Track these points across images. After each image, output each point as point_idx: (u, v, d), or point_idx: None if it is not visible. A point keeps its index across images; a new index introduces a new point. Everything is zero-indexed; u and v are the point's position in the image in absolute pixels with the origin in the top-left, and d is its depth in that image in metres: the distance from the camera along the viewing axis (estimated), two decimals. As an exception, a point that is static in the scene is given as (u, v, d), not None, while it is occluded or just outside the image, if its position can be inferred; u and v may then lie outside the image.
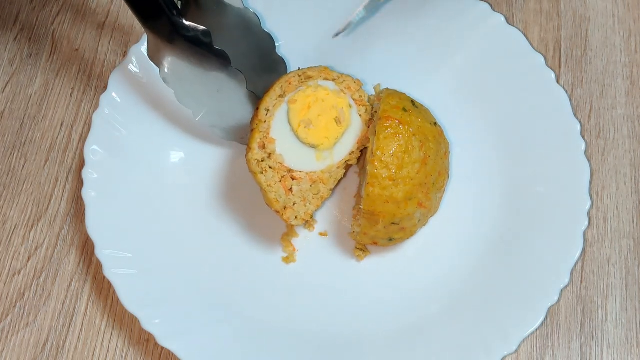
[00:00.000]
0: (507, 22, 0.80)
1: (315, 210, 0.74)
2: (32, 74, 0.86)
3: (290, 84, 0.73)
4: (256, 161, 0.71)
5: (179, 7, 0.71)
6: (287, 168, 0.72)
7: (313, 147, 0.73)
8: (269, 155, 0.71)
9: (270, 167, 0.71)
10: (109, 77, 0.78)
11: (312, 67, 0.74)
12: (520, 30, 0.80)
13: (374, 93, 0.78)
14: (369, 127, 0.75)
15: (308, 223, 0.77)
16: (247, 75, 0.75)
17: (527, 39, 0.79)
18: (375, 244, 0.73)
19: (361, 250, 0.75)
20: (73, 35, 0.88)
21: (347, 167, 0.75)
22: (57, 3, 0.90)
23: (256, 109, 0.72)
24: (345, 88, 0.75)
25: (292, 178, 0.72)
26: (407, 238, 0.73)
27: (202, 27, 0.70)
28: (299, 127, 0.72)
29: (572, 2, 0.88)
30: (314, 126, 0.72)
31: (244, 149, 0.73)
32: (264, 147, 0.71)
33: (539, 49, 0.83)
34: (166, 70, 0.73)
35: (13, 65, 0.86)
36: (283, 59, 0.80)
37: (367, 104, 0.75)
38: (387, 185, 0.68)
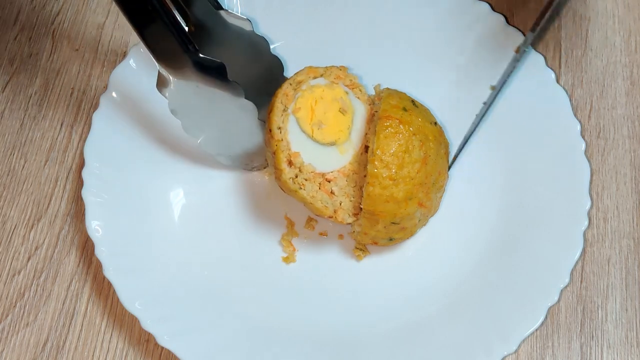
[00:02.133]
0: (507, 22, 0.80)
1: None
2: (32, 74, 0.86)
3: (287, 95, 0.72)
4: (291, 179, 0.70)
5: (190, 36, 0.69)
6: (320, 174, 0.71)
7: (333, 144, 0.72)
8: (300, 169, 0.70)
9: (305, 180, 0.70)
10: (109, 77, 0.78)
11: (298, 72, 0.73)
12: (520, 31, 0.80)
13: (374, 93, 0.78)
14: (371, 105, 0.74)
15: (308, 223, 0.77)
16: (254, 99, 0.73)
17: (527, 39, 0.79)
18: (376, 243, 0.73)
19: (361, 250, 0.75)
20: (73, 35, 0.88)
21: (367, 149, 0.75)
22: (57, 3, 0.90)
23: (268, 130, 0.71)
24: (334, 78, 0.74)
25: (327, 181, 0.71)
26: (407, 238, 0.73)
27: (217, 62, 0.69)
28: (312, 131, 0.72)
29: (572, 2, 0.88)
30: (325, 125, 0.72)
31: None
32: (291, 163, 0.70)
33: (539, 49, 0.83)
34: (176, 102, 0.72)
35: (13, 65, 0.86)
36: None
37: (359, 84, 0.75)
38: (388, 184, 0.68)
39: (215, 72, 0.69)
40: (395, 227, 0.70)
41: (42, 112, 0.84)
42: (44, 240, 0.79)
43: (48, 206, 0.80)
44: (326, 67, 0.74)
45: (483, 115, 0.78)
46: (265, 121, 0.72)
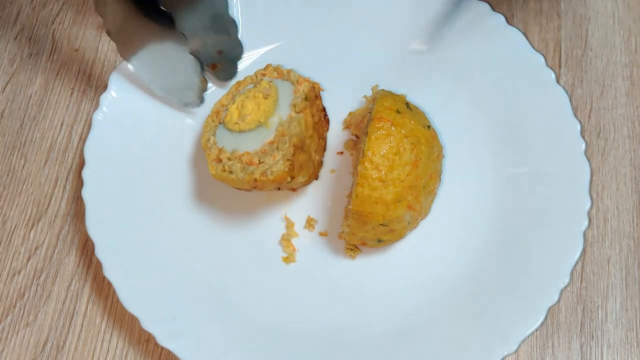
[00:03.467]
0: (507, 22, 0.80)
1: (321, 157, 0.76)
2: (32, 74, 0.86)
3: (218, 113, 0.76)
4: (220, 170, 0.72)
5: None
6: (245, 153, 0.72)
7: (260, 125, 0.73)
8: (228, 158, 0.72)
9: (229, 159, 0.72)
10: (109, 77, 0.78)
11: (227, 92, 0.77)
12: (520, 30, 0.80)
13: (371, 94, 0.78)
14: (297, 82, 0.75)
15: (308, 223, 0.77)
16: (199, 36, 0.77)
17: (527, 39, 0.79)
18: (364, 244, 0.73)
19: (351, 250, 0.75)
20: (73, 35, 0.88)
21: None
22: (57, 3, 0.90)
23: (203, 148, 0.74)
24: (259, 77, 0.76)
25: (254, 155, 0.72)
26: (396, 240, 0.73)
27: None
28: (238, 126, 0.73)
29: (572, 2, 0.88)
30: (248, 115, 0.73)
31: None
32: (220, 160, 0.72)
33: (539, 49, 0.83)
34: (111, 22, 0.74)
35: (13, 65, 0.87)
36: (234, 20, 0.81)
37: (286, 70, 0.76)
38: (377, 186, 0.68)
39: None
40: (383, 228, 0.70)
41: (42, 112, 0.84)
42: (44, 240, 0.79)
43: (48, 206, 0.80)
44: (253, 74, 0.77)
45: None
46: (198, 55, 0.76)
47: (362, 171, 0.68)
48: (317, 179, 0.76)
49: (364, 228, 0.70)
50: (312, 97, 0.74)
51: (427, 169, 0.70)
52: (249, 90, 0.75)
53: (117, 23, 0.74)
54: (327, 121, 0.78)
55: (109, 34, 0.75)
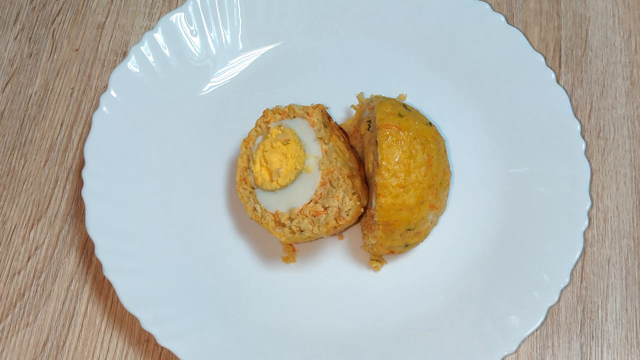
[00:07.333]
0: (507, 22, 0.80)
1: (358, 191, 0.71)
2: (32, 74, 0.86)
3: (244, 180, 0.72)
4: (289, 235, 0.69)
5: None
6: (304, 205, 0.70)
7: (300, 172, 0.71)
8: (289, 218, 0.69)
9: (295, 220, 0.69)
10: (109, 77, 0.78)
11: (239, 157, 0.74)
12: (520, 30, 0.80)
13: (358, 103, 0.78)
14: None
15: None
16: None
17: (527, 39, 0.79)
18: (392, 252, 0.73)
19: (377, 261, 0.74)
20: (73, 35, 0.88)
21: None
22: (57, 3, 0.90)
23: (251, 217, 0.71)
24: (264, 125, 0.73)
25: (314, 203, 0.69)
26: (422, 241, 0.73)
27: None
28: (277, 183, 0.71)
29: (572, 2, 0.88)
30: (280, 167, 0.71)
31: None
32: (280, 224, 0.70)
33: (539, 49, 0.83)
34: None
35: (13, 65, 0.87)
36: None
37: (286, 108, 0.73)
38: (398, 193, 0.67)
39: None
40: (410, 233, 0.70)
41: (42, 112, 0.84)
42: (44, 240, 0.79)
43: (48, 206, 0.80)
44: (254, 126, 0.74)
45: None
46: None
47: (381, 181, 0.67)
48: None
49: (391, 237, 0.70)
50: (327, 121, 0.73)
51: (439, 165, 0.70)
52: (262, 144, 0.72)
53: None
54: (345, 133, 0.76)
55: None
